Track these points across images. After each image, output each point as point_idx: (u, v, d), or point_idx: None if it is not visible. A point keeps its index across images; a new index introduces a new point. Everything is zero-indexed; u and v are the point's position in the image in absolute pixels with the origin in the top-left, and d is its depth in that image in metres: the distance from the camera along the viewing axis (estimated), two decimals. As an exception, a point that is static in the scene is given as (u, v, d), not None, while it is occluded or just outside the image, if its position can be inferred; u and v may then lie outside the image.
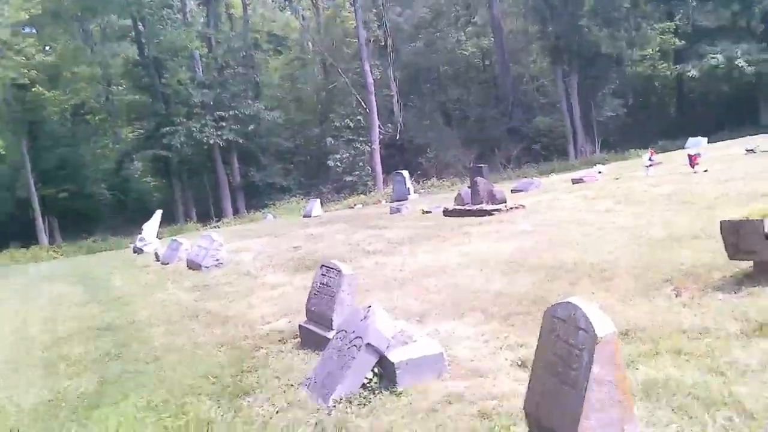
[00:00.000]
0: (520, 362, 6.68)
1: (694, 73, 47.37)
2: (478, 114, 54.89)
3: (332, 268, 8.09)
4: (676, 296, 7.98)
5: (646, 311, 7.51)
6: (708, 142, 35.15)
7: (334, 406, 6.25)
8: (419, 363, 6.61)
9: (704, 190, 15.85)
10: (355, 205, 37.90)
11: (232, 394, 6.96)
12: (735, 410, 4.93)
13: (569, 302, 4.48)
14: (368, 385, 6.58)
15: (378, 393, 6.39)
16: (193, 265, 16.53)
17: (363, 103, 49.34)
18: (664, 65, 50.49)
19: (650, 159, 24.11)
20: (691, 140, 38.46)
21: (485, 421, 5.45)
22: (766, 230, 7.61)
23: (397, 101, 52.55)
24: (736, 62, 45.13)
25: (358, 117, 50.11)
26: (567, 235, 12.80)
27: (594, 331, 4.17)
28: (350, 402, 6.29)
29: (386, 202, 34.95)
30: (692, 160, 21.68)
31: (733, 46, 46.28)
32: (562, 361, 4.43)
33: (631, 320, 7.23)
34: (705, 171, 20.87)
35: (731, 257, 8.17)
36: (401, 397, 6.24)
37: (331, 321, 7.85)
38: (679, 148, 36.48)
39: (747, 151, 26.01)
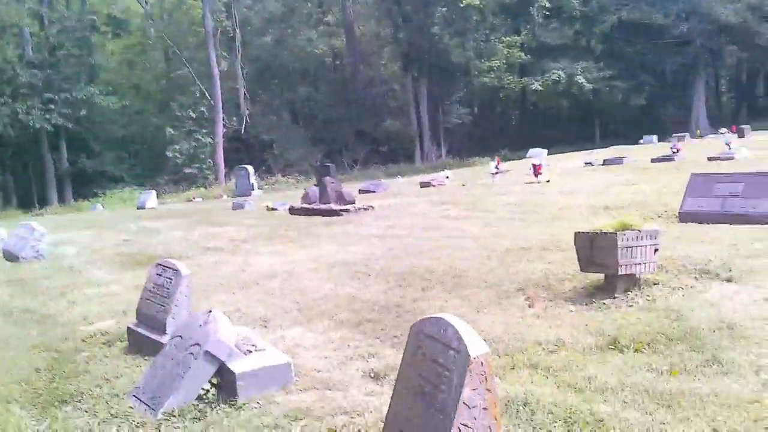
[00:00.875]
0: (372, 374, 6.27)
1: (537, 86, 49.61)
2: (327, 114, 54.72)
3: (169, 267, 7.34)
4: (529, 306, 7.87)
5: (501, 321, 7.33)
6: (548, 154, 36.75)
7: (165, 419, 5.56)
8: (263, 373, 6.04)
9: (549, 200, 16.27)
10: (194, 198, 36.50)
11: (48, 403, 6.08)
12: (598, 431, 4.73)
13: (439, 318, 4.09)
14: (205, 397, 5.93)
15: (216, 406, 5.76)
16: (9, 257, 14.97)
17: (207, 94, 47.72)
18: (509, 77, 52.49)
19: (496, 167, 24.75)
20: (532, 151, 40.09)
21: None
22: (619, 244, 7.64)
23: (244, 95, 51.29)
24: (576, 78, 47.76)
25: (202, 108, 48.41)
26: (418, 240, 12.62)
27: (466, 350, 3.80)
28: (183, 415, 5.62)
29: (228, 197, 33.89)
30: (536, 170, 22.39)
31: (574, 63, 48.92)
32: (428, 382, 4.02)
33: (485, 330, 7.00)
34: (547, 181, 21.61)
35: (583, 269, 8.18)
36: (241, 411, 5.65)
37: (165, 325, 7.12)
38: (521, 158, 37.90)
39: (585, 164, 27.36)
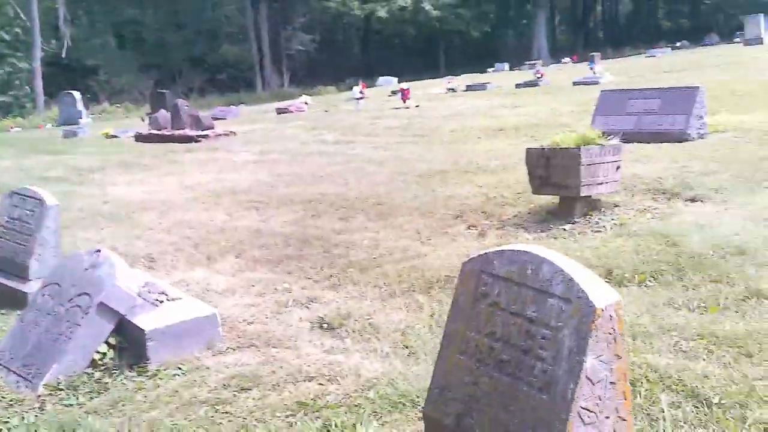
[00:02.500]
0: (322, 324, 4.87)
1: (382, 13, 48.24)
2: (157, 38, 50.66)
3: (29, 197, 5.50)
4: (480, 235, 6.70)
5: (459, 254, 6.10)
6: (398, 82, 35.80)
7: (50, 394, 3.96)
8: (181, 329, 4.53)
9: (434, 124, 15.23)
10: (11, 128, 32.44)
11: None
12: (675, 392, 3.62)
13: (521, 250, 2.77)
14: (101, 362, 4.34)
15: (119, 374, 4.18)
16: None
17: (22, 15, 42.46)
18: (354, 3, 50.75)
19: (361, 92, 23.48)
20: (382, 79, 39.08)
21: (313, 421, 3.50)
22: (583, 160, 6.58)
23: (64, 16, 46.20)
24: (422, 5, 46.77)
25: (16, 30, 43.10)
26: (309, 166, 11.17)
27: (586, 298, 2.50)
28: (74, 388, 4.02)
29: (53, 126, 30.33)
30: (405, 95, 21.31)
31: (421, -12, 47.94)
32: (511, 347, 2.71)
33: (444, 266, 5.78)
34: (417, 106, 20.62)
35: (536, 191, 7.09)
36: (157, 379, 4.12)
37: (28, 269, 5.36)
38: (370, 87, 36.69)
39: (448, 90, 26.65)
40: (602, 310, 2.47)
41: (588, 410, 2.49)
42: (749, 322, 4.15)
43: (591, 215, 6.82)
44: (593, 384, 2.49)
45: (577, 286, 2.53)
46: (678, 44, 45.16)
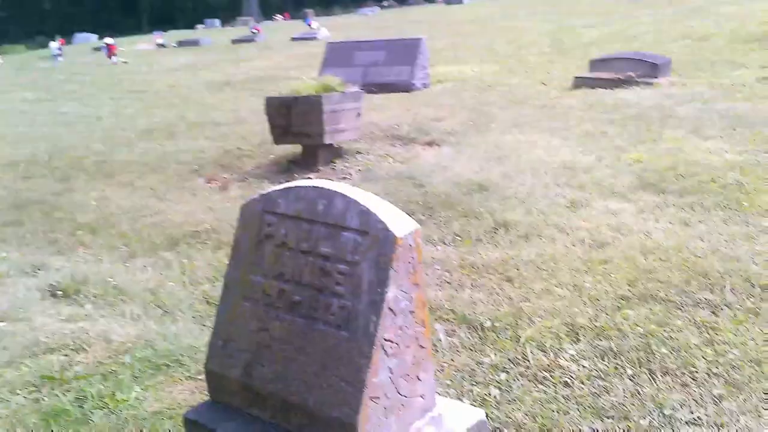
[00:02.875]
0: (55, 291, 4.37)
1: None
2: None
3: None
4: (222, 189, 6.47)
5: (200, 208, 5.84)
6: (100, 38, 33.52)
7: None
8: None
9: (149, 80, 14.49)
10: None
11: None
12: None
13: (310, 187, 2.64)
14: None
15: None
16: None
17: None
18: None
19: (59, 49, 21.68)
20: (80, 36, 36.45)
21: (64, 394, 3.11)
22: (325, 107, 6.59)
23: None
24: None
25: None
26: (11, 127, 10.01)
27: (386, 229, 2.45)
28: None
29: None
30: (111, 50, 20.01)
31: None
32: (306, 287, 2.59)
33: (187, 221, 5.50)
34: (125, 62, 19.50)
35: (278, 141, 6.96)
36: None
37: None
38: (68, 44, 34.02)
39: (158, 45, 25.50)
40: (402, 240, 2.41)
41: (391, 341, 2.44)
42: (503, 250, 4.39)
43: (335, 163, 6.86)
44: (395, 315, 2.44)
45: (375, 217, 2.44)
46: (385, 4, 47.31)
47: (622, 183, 5.45)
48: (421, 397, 2.59)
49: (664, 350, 3.00)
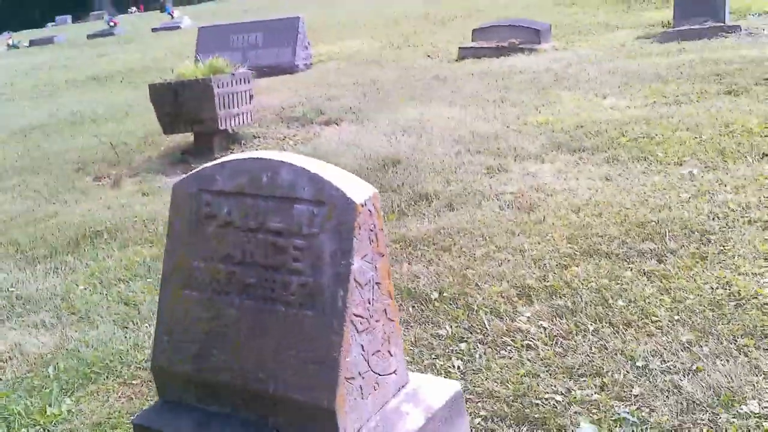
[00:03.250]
0: None
1: None
2: None
3: None
4: (114, 186, 6.11)
5: (96, 207, 5.49)
6: None
7: None
8: None
9: (8, 80, 13.60)
10: None
11: None
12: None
13: (251, 159, 2.46)
14: None
15: None
16: None
17: None
18: None
19: None
20: None
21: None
22: (216, 90, 6.31)
23: None
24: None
25: None
26: None
27: (344, 196, 2.30)
28: None
29: None
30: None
31: None
32: (258, 267, 2.41)
33: (85, 221, 5.15)
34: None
35: (168, 131, 6.62)
36: None
37: None
38: None
39: (10, 47, 24.11)
40: (362, 206, 2.26)
41: (360, 317, 2.29)
42: (431, 221, 4.30)
43: (232, 149, 6.60)
44: (362, 287, 2.29)
45: (330, 185, 2.27)
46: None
47: (535, 146, 5.47)
48: (395, 373, 2.48)
49: (620, 303, 2.99)
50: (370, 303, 2.33)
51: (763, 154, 4.50)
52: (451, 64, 9.83)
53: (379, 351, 2.40)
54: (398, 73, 9.40)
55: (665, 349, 2.62)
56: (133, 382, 2.85)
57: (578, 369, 2.61)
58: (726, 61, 7.26)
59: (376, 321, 2.37)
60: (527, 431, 2.37)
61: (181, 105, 6.34)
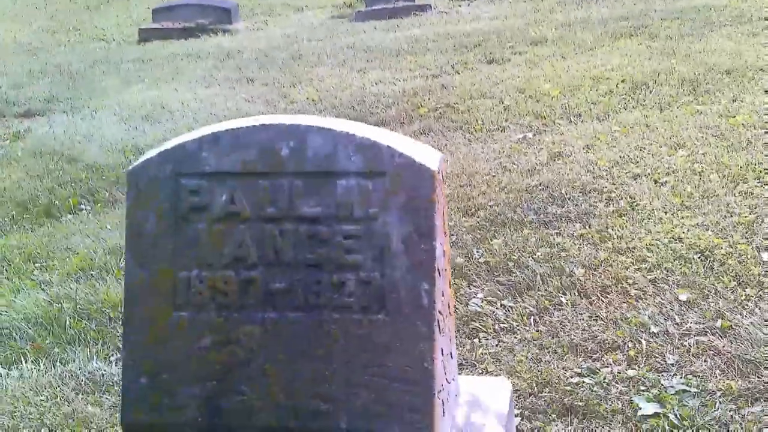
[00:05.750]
0: None
1: None
2: None
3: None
4: None
5: None
6: None
7: None
8: None
9: None
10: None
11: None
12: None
13: (255, 126, 2.00)
14: None
15: None
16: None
17: None
18: None
19: None
20: None
21: None
22: None
23: None
24: None
25: None
26: None
27: (415, 162, 1.94)
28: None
29: None
30: None
31: None
32: (289, 268, 1.98)
33: None
34: None
35: None
36: None
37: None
38: None
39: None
40: (438, 173, 1.93)
41: (441, 314, 1.97)
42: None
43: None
44: (440, 276, 1.97)
45: (389, 150, 1.89)
46: None
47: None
48: (454, 379, 2.22)
49: (581, 270, 2.96)
50: (443, 295, 2.05)
51: (578, 114, 4.80)
52: (139, 46, 9.14)
53: (450, 353, 2.13)
54: (81, 58, 8.50)
55: (671, 310, 2.63)
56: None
57: (585, 345, 2.52)
58: (454, 34, 7.67)
59: (448, 315, 2.10)
60: (579, 423, 2.22)
61: None
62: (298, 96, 5.99)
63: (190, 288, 1.93)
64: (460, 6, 9.94)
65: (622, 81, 5.18)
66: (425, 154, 1.92)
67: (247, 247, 1.92)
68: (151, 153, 1.98)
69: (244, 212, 1.91)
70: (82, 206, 4.27)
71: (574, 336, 2.53)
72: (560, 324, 2.62)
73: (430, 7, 10.14)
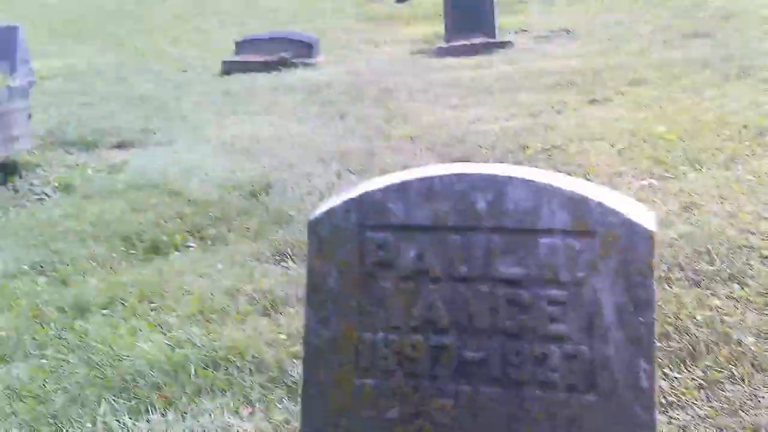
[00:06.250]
0: None
1: None
2: None
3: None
4: None
5: None
6: None
7: None
8: None
9: None
10: None
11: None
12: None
13: (448, 175, 1.83)
14: None
15: None
16: None
17: None
18: None
19: None
20: None
21: None
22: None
23: None
24: None
25: None
26: None
27: (630, 221, 1.74)
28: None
29: None
30: None
31: None
32: (484, 336, 1.79)
33: None
34: None
35: None
36: None
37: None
38: None
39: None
40: (655, 233, 1.72)
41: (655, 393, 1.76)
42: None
43: (13, 181, 5.37)
44: (654, 351, 1.75)
45: (600, 206, 1.70)
46: None
47: (425, 163, 5.09)
48: None
49: (750, 339, 2.71)
50: (652, 368, 1.83)
51: (701, 160, 4.55)
52: (223, 78, 9.12)
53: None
54: (166, 88, 8.48)
55: None
56: None
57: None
58: (544, 72, 7.49)
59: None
60: None
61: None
62: (394, 132, 5.83)
63: (375, 352, 1.75)
64: (543, 44, 9.76)
65: (744, 127, 4.90)
66: (639, 212, 1.73)
67: (437, 310, 1.75)
68: (334, 201, 1.83)
69: (433, 270, 1.74)
70: (189, 243, 4.12)
71: (759, 417, 2.28)
72: (738, 401, 2.37)
73: (512, 43, 9.99)
